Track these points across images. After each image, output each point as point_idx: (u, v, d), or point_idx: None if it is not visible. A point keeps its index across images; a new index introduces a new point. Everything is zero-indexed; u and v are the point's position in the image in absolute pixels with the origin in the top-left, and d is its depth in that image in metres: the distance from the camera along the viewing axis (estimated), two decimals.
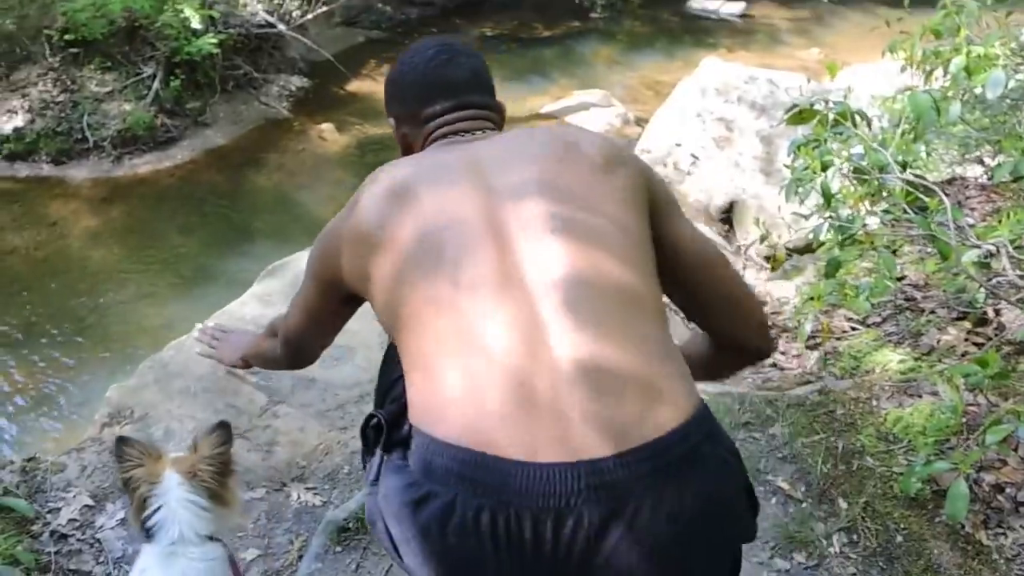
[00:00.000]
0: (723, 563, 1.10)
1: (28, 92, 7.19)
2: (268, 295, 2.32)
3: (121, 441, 1.58)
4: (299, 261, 2.32)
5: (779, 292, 2.92)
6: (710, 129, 6.66)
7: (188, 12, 6.94)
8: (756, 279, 5.67)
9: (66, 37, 7.21)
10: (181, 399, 2.10)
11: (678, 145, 6.88)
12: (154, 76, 7.33)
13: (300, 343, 1.63)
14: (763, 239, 3.22)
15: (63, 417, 4.80)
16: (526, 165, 1.24)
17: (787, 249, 5.83)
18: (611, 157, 1.31)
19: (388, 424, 1.21)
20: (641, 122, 7.80)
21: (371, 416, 1.27)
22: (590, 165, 1.26)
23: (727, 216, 6.31)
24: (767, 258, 5.88)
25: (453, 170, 1.25)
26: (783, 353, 2.57)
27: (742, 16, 10.55)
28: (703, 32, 10.15)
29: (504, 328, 1.07)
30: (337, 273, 1.33)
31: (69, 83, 7.25)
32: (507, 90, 8.47)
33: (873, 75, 6.23)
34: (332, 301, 1.43)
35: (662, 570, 0.99)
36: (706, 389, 2.18)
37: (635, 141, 7.44)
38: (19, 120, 7.03)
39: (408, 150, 1.51)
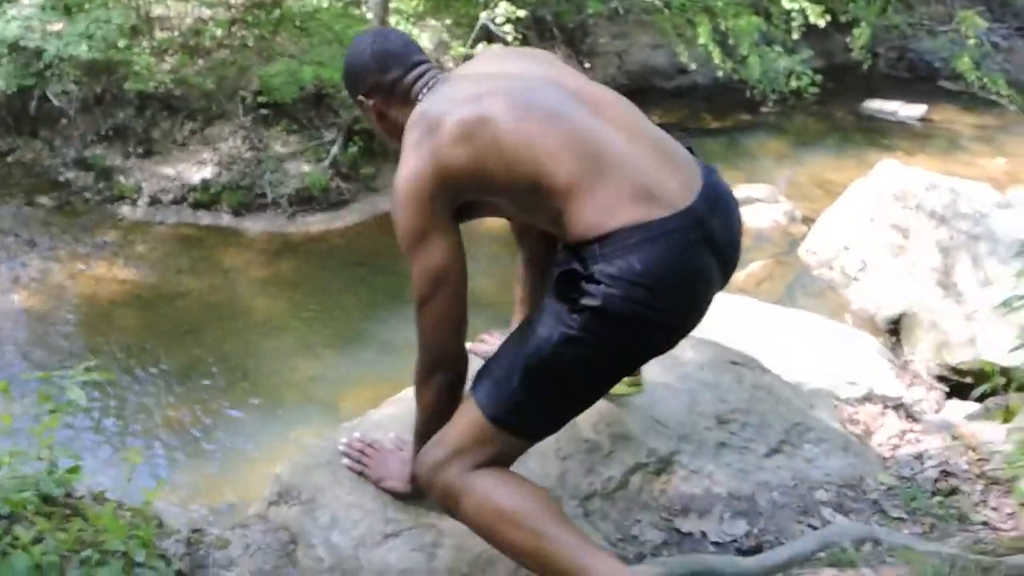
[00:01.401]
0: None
1: (219, 147, 7.68)
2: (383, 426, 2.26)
3: None
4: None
5: (986, 435, 2.64)
6: (883, 235, 6.34)
7: None
8: (926, 399, 5.28)
9: (259, 99, 7.69)
10: (351, 485, 2.05)
11: (846, 248, 6.60)
12: (334, 141, 7.68)
13: (455, 337, 1.72)
14: (992, 387, 2.91)
15: (214, 459, 4.97)
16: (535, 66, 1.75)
17: (961, 371, 5.44)
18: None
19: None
20: (808, 221, 7.52)
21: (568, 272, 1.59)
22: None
23: (895, 328, 5.95)
24: (939, 378, 5.49)
25: (500, 72, 1.71)
26: (995, 510, 2.31)
27: (922, 119, 10.11)
28: (878, 133, 9.78)
29: (622, 156, 1.61)
30: (459, 194, 1.64)
31: (256, 141, 7.69)
32: None
33: None
34: (458, 239, 1.69)
35: (734, 237, 1.71)
36: (913, 546, 1.97)
37: (800, 240, 7.19)
38: (208, 172, 7.49)
39: (382, 115, 1.84)
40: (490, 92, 1.63)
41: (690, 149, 1.79)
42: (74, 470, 1.87)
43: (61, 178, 7.78)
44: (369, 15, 8.06)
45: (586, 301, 1.56)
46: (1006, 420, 2.78)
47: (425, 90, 1.75)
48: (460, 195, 1.65)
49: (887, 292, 6.03)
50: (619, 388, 2.14)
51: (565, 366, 1.60)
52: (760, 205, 7.81)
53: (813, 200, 8.08)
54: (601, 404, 2.15)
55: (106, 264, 6.73)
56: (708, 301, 1.67)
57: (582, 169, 1.56)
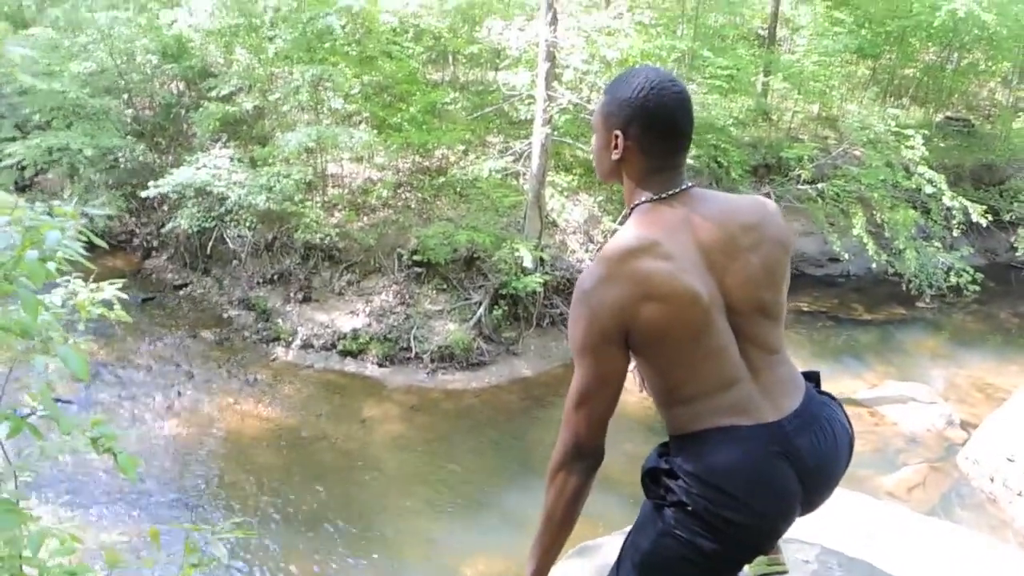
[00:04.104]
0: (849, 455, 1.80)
1: (372, 299, 8.04)
2: None
3: None
4: (613, 545, 2.17)
5: None
6: None
7: (523, 252, 7.49)
8: None
9: (414, 257, 8.08)
10: None
11: (1011, 460, 6.16)
12: (480, 303, 7.91)
13: (605, 429, 1.76)
14: None
15: None
16: (737, 259, 1.72)
17: None
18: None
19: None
20: (967, 426, 7.08)
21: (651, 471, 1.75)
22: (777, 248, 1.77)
23: None
24: None
25: (695, 263, 1.69)
26: None
27: None
28: None
29: (740, 384, 1.71)
30: (627, 326, 1.66)
31: (407, 297, 8.01)
32: (818, 368, 8.08)
33: None
34: (624, 354, 1.71)
35: (825, 460, 1.74)
36: None
37: (959, 446, 6.75)
38: (359, 322, 7.82)
39: (604, 156, 1.78)
40: (698, 279, 1.69)
41: (815, 376, 1.89)
42: None
43: (225, 315, 8.33)
44: (526, 187, 8.43)
45: (670, 497, 1.70)
46: None
47: (661, 194, 1.74)
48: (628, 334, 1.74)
49: None
50: (759, 567, 2.12)
51: (669, 560, 1.71)
52: (914, 405, 7.41)
53: (972, 404, 7.62)
54: None
55: (254, 401, 7.03)
56: (782, 513, 1.72)
57: (707, 391, 1.71)
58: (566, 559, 2.25)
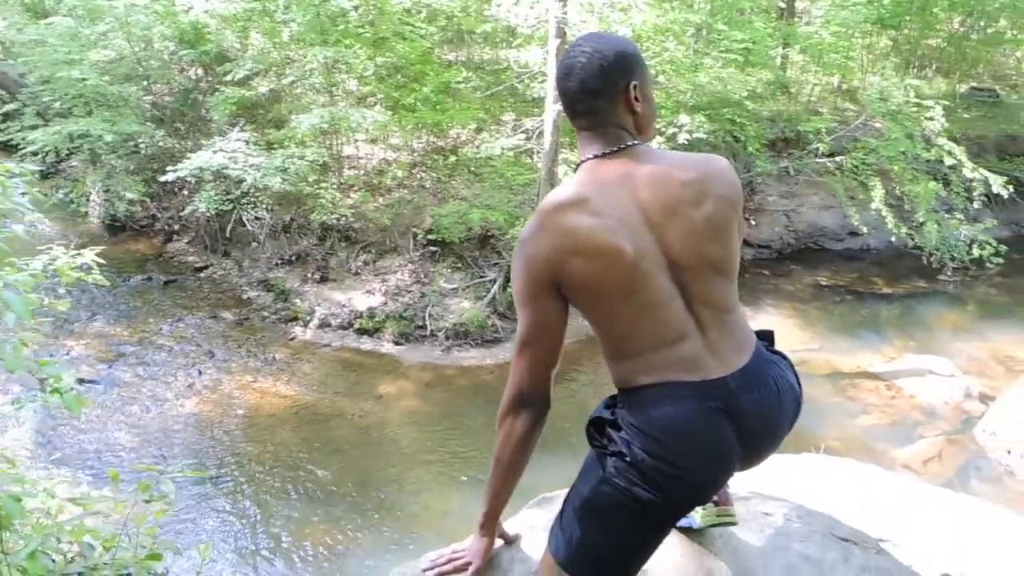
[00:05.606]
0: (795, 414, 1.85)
1: (388, 279, 8.12)
2: (532, 526, 2.23)
3: None
4: None
5: None
6: None
7: None
8: None
9: (429, 236, 8.14)
10: None
11: None
12: (494, 281, 7.96)
13: (548, 375, 1.82)
14: None
15: None
16: (666, 215, 1.72)
17: None
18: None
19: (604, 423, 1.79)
20: (986, 399, 7.02)
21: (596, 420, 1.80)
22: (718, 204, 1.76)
23: None
24: None
25: (627, 219, 1.71)
26: None
27: None
28: None
29: (678, 335, 1.73)
30: (557, 278, 1.71)
31: (422, 276, 8.08)
32: (836, 342, 8.10)
33: None
34: (560, 304, 1.75)
35: (768, 419, 1.78)
36: None
37: (977, 419, 6.70)
38: (375, 301, 7.91)
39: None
40: (625, 236, 1.70)
41: (769, 335, 1.95)
42: (154, 556, 2.00)
43: (244, 296, 8.46)
44: (539, 164, 8.44)
45: (611, 447, 1.75)
46: None
47: (603, 152, 1.77)
48: (560, 285, 1.78)
49: None
50: (709, 518, 2.19)
51: (607, 507, 1.75)
52: (932, 378, 7.35)
53: (993, 377, 7.54)
54: (688, 565, 2.10)
55: (272, 379, 7.14)
56: (718, 469, 1.77)
57: (649, 346, 1.75)
58: (526, 509, 2.31)
